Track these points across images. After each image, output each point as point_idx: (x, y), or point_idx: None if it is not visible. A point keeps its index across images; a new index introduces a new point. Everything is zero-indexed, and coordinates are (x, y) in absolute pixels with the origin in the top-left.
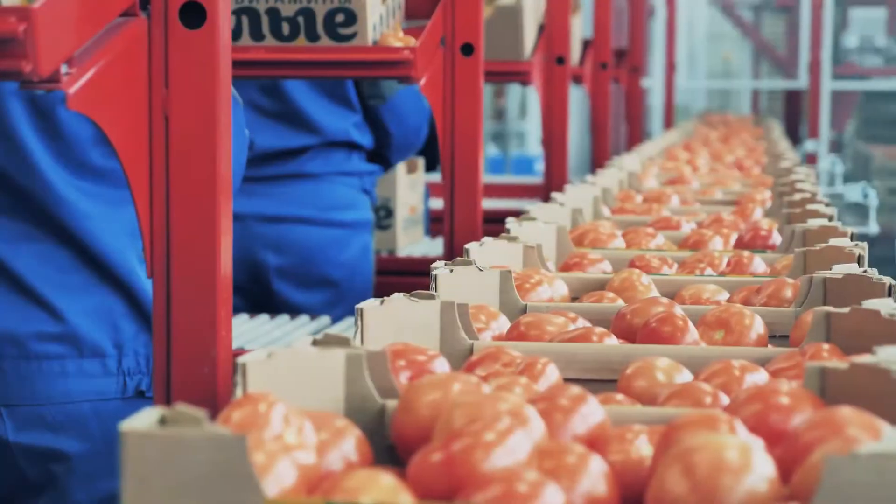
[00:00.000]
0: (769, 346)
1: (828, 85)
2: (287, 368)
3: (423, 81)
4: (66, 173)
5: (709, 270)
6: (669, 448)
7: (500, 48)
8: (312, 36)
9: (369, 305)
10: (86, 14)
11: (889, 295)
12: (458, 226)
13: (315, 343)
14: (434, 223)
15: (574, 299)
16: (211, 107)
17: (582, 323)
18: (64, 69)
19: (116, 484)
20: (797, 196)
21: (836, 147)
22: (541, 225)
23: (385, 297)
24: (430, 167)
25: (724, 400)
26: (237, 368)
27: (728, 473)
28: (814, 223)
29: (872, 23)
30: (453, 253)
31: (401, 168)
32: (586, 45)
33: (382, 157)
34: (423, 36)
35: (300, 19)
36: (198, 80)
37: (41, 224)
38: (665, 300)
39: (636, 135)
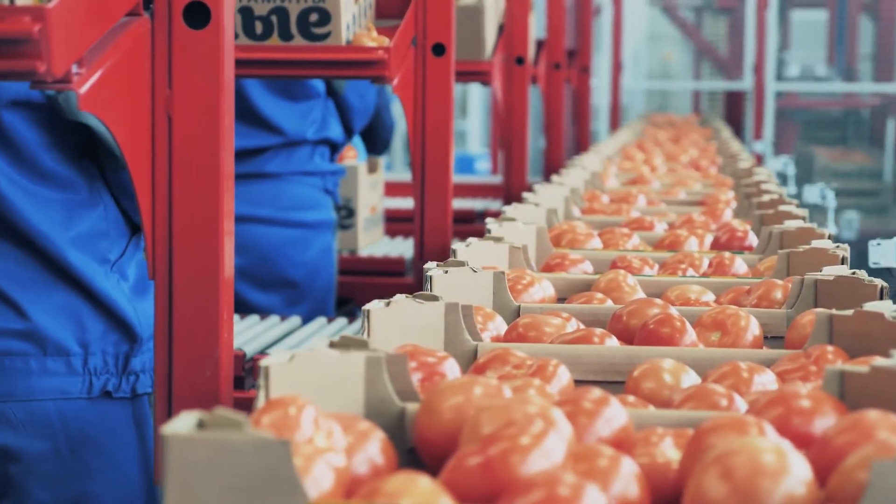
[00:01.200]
0: (764, 347)
1: (772, 86)
2: (308, 371)
3: (395, 81)
4: (18, 178)
5: (690, 271)
6: (702, 451)
7: (462, 48)
8: (286, 35)
9: (375, 307)
10: (95, 13)
11: (881, 297)
12: (428, 225)
13: (333, 345)
14: (389, 223)
15: (561, 300)
16: (215, 107)
17: (575, 324)
18: (74, 69)
19: (84, 486)
20: (766, 197)
21: (779, 148)
22: (521, 226)
23: (390, 299)
24: (370, 150)
25: (739, 402)
26: (260, 371)
27: (767, 476)
28: (791, 224)
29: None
30: (424, 252)
31: (362, 168)
32: (539, 45)
33: (346, 126)
34: (397, 36)
35: (273, 18)
36: (201, 81)
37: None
38: (660, 302)
39: (584, 135)
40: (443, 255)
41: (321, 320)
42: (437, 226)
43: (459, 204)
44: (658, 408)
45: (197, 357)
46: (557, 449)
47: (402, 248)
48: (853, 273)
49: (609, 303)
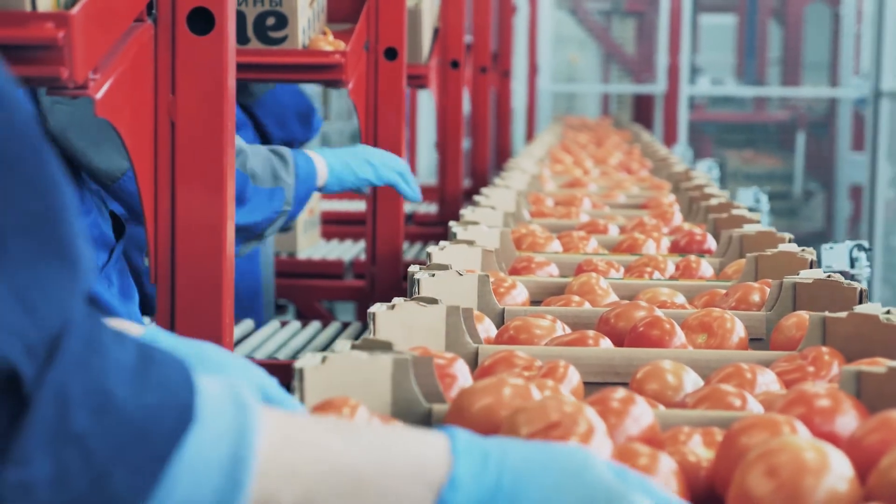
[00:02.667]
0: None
1: (686, 90)
2: (339, 373)
3: (350, 85)
4: None
5: (657, 274)
6: (738, 450)
7: None
8: (242, 39)
9: (380, 309)
10: (109, 19)
11: (860, 300)
12: (380, 229)
13: (356, 347)
14: (325, 225)
15: (535, 303)
16: (218, 113)
17: (560, 326)
18: (90, 75)
19: None
20: (714, 201)
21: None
22: (485, 229)
23: (394, 302)
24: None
25: (752, 402)
26: (294, 373)
27: (810, 474)
28: (750, 228)
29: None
30: (376, 255)
31: None
32: (467, 48)
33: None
34: (352, 40)
35: None
36: (205, 87)
37: None
38: (645, 304)
39: (506, 138)
40: (394, 258)
41: (244, 324)
42: (389, 229)
43: None
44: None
45: None
46: (605, 448)
47: (339, 250)
48: (829, 276)
49: (587, 305)
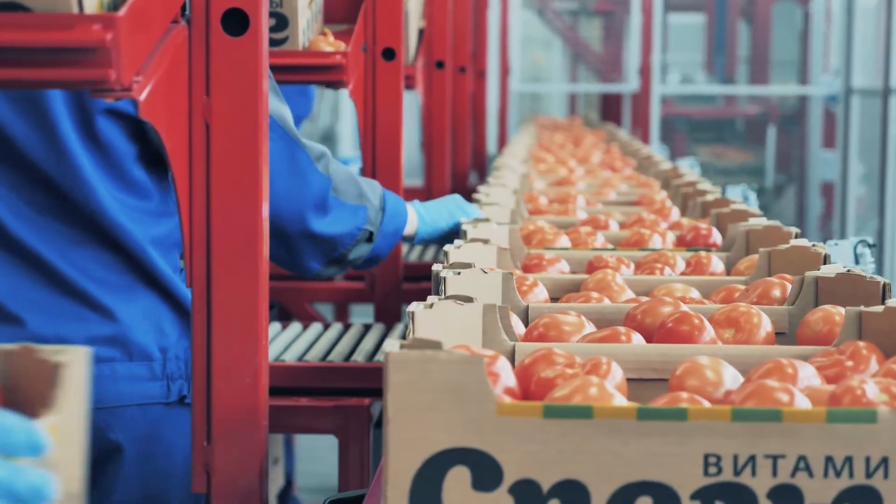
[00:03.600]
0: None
1: (657, 89)
2: (440, 317)
3: (350, 86)
4: (108, 184)
5: (667, 270)
6: None
7: None
8: None
9: (419, 309)
10: (150, 21)
11: (883, 294)
12: None
13: (404, 347)
14: None
15: (553, 299)
16: (253, 115)
17: (586, 322)
18: (134, 77)
19: (154, 490)
20: (710, 197)
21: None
22: (494, 226)
23: (431, 301)
24: None
25: (800, 397)
26: (408, 315)
27: None
28: (757, 222)
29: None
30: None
31: None
32: None
33: None
34: (352, 41)
35: None
36: (240, 88)
37: (87, 229)
38: (669, 300)
39: (481, 139)
40: (393, 258)
41: None
42: None
43: None
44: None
45: (237, 364)
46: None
47: None
48: (848, 270)
49: (606, 301)
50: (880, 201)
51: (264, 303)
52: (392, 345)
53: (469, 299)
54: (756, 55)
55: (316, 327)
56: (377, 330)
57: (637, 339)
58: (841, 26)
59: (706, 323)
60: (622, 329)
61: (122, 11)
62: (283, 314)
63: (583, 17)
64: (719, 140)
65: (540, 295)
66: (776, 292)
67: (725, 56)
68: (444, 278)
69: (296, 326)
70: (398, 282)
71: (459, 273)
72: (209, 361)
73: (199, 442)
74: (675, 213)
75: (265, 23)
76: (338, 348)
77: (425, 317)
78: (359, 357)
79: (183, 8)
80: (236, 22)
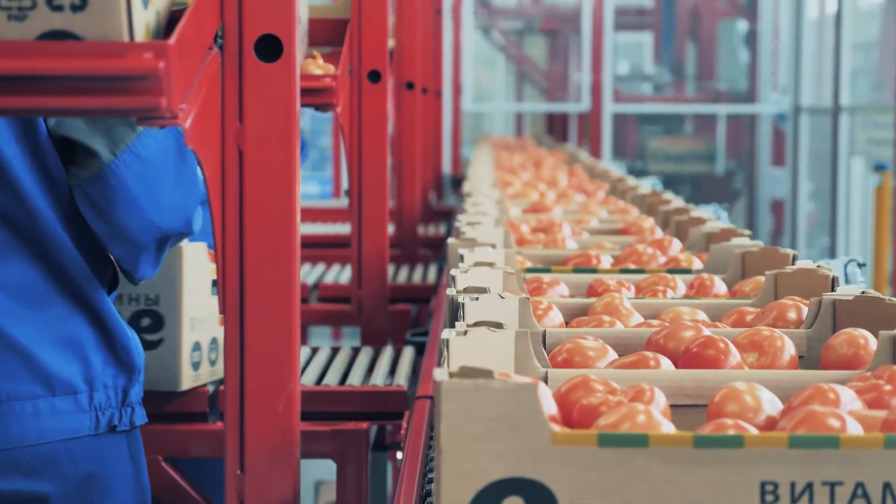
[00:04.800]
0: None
1: (609, 108)
2: (474, 344)
3: (339, 109)
4: (51, 201)
5: (669, 292)
6: None
7: None
8: None
9: (453, 336)
10: (192, 48)
11: None
12: (366, 250)
13: (454, 376)
14: None
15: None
16: (287, 141)
17: (608, 348)
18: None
19: None
20: (709, 226)
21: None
22: (490, 250)
23: (465, 327)
24: None
25: (851, 422)
26: (442, 343)
27: None
28: (751, 244)
29: (639, 48)
30: (362, 276)
31: None
32: None
33: None
34: (341, 64)
35: None
36: (273, 115)
37: (22, 245)
38: (690, 323)
39: (438, 159)
40: (380, 280)
41: None
42: (374, 251)
43: (336, 229)
44: None
45: (270, 391)
46: None
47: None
48: (863, 292)
49: (619, 326)
50: (832, 218)
51: (297, 329)
52: (441, 374)
53: (499, 325)
54: (702, 73)
55: (304, 351)
56: (366, 353)
57: (665, 363)
58: (789, 44)
59: (731, 347)
60: (650, 354)
61: (173, 39)
62: None
63: (528, 36)
64: (668, 133)
65: (555, 319)
66: (792, 314)
67: (673, 74)
68: (463, 304)
69: (325, 351)
70: (384, 303)
71: (478, 299)
72: (242, 389)
73: (232, 470)
74: (675, 246)
75: (299, 49)
76: (330, 372)
77: (460, 344)
78: (354, 380)
79: (215, 35)
80: (270, 48)
